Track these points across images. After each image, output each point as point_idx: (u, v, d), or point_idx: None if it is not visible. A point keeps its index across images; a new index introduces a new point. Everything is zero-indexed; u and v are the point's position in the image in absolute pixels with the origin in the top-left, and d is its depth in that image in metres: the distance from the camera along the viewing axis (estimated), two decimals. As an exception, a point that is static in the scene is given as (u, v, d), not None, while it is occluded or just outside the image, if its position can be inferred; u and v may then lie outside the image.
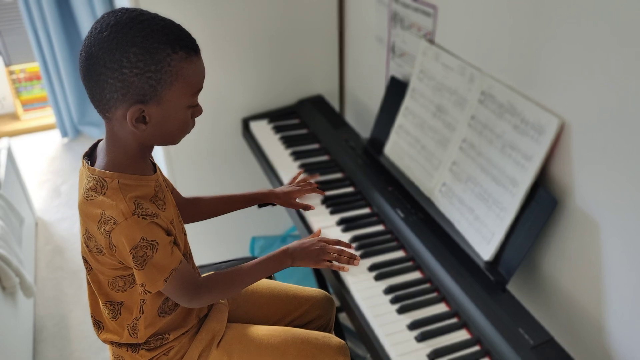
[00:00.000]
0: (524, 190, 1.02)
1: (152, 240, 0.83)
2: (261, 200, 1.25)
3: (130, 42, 0.76)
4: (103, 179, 0.83)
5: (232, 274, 0.99)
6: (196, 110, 0.88)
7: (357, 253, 1.17)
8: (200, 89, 0.86)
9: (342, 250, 1.13)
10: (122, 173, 0.84)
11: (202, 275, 0.98)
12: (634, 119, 0.84)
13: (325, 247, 1.10)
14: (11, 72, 3.32)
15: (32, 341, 1.89)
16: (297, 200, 1.30)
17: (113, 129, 0.84)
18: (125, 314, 0.93)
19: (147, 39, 0.76)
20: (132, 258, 0.82)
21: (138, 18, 0.77)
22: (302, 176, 1.38)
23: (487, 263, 1.08)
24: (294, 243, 1.08)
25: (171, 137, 0.87)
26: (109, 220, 0.81)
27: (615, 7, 0.83)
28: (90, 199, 0.83)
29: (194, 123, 0.89)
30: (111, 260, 0.86)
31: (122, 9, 0.79)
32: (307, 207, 1.30)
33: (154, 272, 0.84)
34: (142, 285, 0.86)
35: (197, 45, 0.83)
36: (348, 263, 1.12)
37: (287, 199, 1.27)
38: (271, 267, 1.03)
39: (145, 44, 0.76)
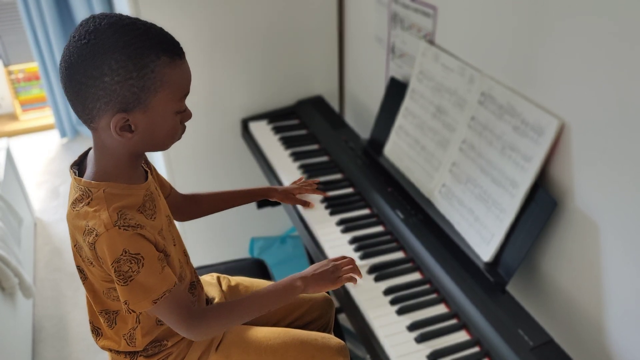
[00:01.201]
0: (523, 191, 1.02)
1: (135, 254, 0.79)
2: (261, 195, 1.22)
3: (110, 48, 0.73)
4: (89, 190, 0.81)
5: (236, 305, 0.94)
6: (185, 115, 0.85)
7: (357, 254, 1.17)
8: (187, 93, 0.83)
9: (349, 262, 1.08)
10: (109, 182, 0.81)
11: (205, 307, 0.93)
12: (633, 120, 0.84)
13: (337, 265, 1.05)
14: (10, 72, 3.31)
15: (31, 341, 1.89)
16: (297, 197, 1.30)
17: (100, 138, 0.81)
18: (121, 323, 0.91)
19: (129, 45, 0.74)
20: (114, 272, 0.79)
21: (118, 23, 0.74)
22: (303, 180, 1.37)
23: (487, 264, 1.08)
24: (303, 271, 1.03)
25: (160, 144, 0.84)
26: (91, 231, 0.79)
27: (615, 7, 0.83)
28: (77, 210, 0.81)
29: (184, 128, 0.86)
30: (101, 272, 0.84)
31: (102, 14, 0.76)
32: (307, 204, 1.29)
33: (138, 291, 0.80)
34: (126, 304, 0.81)
35: (180, 49, 0.80)
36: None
37: (286, 195, 1.26)
38: (280, 295, 0.97)
39: (126, 50, 0.73)
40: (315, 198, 1.36)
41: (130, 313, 0.84)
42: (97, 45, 0.73)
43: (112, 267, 0.79)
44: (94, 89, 0.74)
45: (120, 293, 0.82)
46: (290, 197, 1.27)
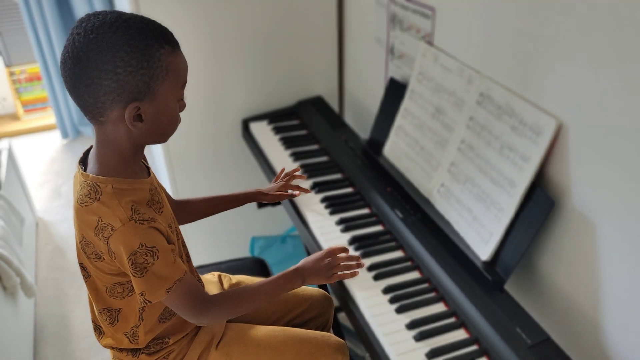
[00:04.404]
0: (521, 191, 1.03)
1: (151, 247, 0.81)
2: (249, 199, 1.22)
3: (120, 41, 0.76)
4: (97, 185, 0.82)
5: (242, 292, 0.96)
6: (182, 104, 0.88)
7: (356, 254, 1.18)
8: (186, 81, 0.86)
9: (349, 257, 1.08)
10: (116, 177, 0.83)
11: (214, 295, 0.95)
12: (630, 120, 0.84)
13: (333, 260, 1.04)
14: (12, 73, 3.32)
15: (32, 341, 1.90)
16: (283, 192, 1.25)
17: (106, 132, 0.83)
18: (122, 321, 0.92)
19: (136, 37, 0.77)
20: (131, 265, 0.81)
21: (121, 17, 0.78)
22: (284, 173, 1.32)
23: (485, 263, 1.09)
24: (302, 261, 1.04)
25: (163, 134, 0.87)
26: (106, 226, 0.80)
27: (612, 9, 0.84)
28: (85, 206, 0.82)
29: (180, 118, 0.89)
30: (111, 266, 0.85)
31: (100, 12, 0.80)
32: (293, 195, 1.27)
33: (154, 281, 0.83)
34: (142, 295, 0.83)
35: (176, 39, 0.84)
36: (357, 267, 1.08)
37: (273, 195, 1.24)
38: (282, 286, 0.99)
39: (135, 42, 0.77)
40: (315, 196, 1.37)
41: (146, 304, 0.85)
42: (107, 39, 0.76)
43: (129, 260, 0.80)
44: (107, 81, 0.77)
45: (136, 285, 0.84)
46: (277, 195, 1.24)
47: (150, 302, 0.85)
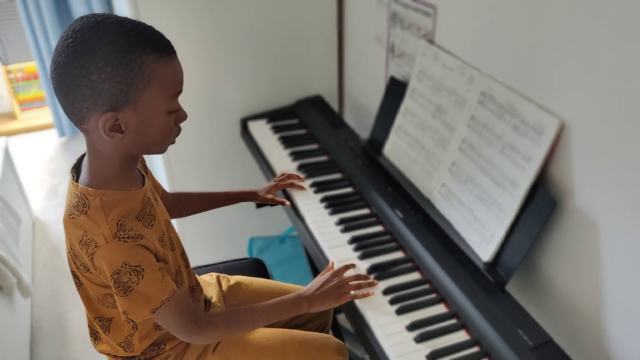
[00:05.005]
0: (523, 191, 1.02)
1: (135, 266, 0.78)
2: (243, 199, 1.21)
3: (96, 45, 0.71)
4: (85, 197, 0.79)
5: (242, 314, 0.94)
6: (179, 116, 0.83)
7: (356, 254, 1.17)
8: (179, 92, 0.80)
9: (358, 276, 1.07)
10: (105, 190, 0.79)
11: (209, 312, 0.93)
12: (633, 120, 0.84)
13: (342, 280, 1.02)
14: (9, 72, 3.30)
15: (29, 342, 1.88)
16: (276, 196, 1.25)
17: (93, 140, 0.79)
18: (114, 331, 0.90)
19: (114, 41, 0.72)
20: (114, 284, 0.78)
21: (105, 21, 0.73)
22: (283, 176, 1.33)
23: (486, 264, 1.08)
24: (308, 286, 1.02)
25: (155, 145, 0.82)
26: (90, 242, 0.78)
27: (615, 7, 0.83)
28: (73, 218, 0.79)
29: (178, 130, 0.84)
30: (97, 279, 0.83)
31: (90, 14, 0.76)
32: (282, 202, 1.26)
33: (138, 301, 0.80)
34: (125, 313, 0.81)
35: (171, 47, 0.78)
36: (369, 287, 1.07)
37: (264, 196, 1.23)
38: (285, 311, 0.97)
39: (112, 47, 0.72)
40: (315, 197, 1.35)
41: (130, 322, 0.83)
42: (82, 44, 0.72)
43: (112, 278, 0.78)
44: (81, 88, 0.73)
45: (119, 303, 0.81)
46: (266, 198, 1.23)
47: (132, 320, 0.82)
